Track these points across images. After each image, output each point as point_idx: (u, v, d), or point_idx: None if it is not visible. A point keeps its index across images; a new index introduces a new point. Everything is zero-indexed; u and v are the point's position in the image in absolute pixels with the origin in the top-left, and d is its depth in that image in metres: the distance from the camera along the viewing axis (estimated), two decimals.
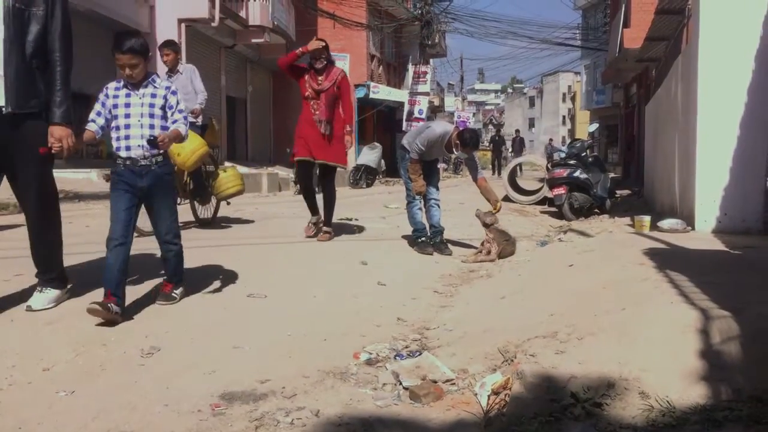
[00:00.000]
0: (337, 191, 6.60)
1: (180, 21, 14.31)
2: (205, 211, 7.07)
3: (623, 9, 17.17)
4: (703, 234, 5.46)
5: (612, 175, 14.87)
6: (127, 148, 3.52)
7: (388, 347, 3.27)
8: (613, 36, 18.87)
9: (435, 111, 30.85)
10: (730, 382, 2.31)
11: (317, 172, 6.86)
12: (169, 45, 7.07)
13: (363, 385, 2.79)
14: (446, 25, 27.86)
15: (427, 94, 24.30)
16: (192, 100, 6.80)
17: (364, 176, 17.72)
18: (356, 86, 21.89)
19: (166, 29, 14.18)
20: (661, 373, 2.40)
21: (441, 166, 8.83)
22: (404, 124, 22.79)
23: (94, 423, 2.35)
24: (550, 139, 41.69)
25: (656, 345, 2.57)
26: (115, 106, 3.56)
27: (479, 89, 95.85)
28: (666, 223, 5.83)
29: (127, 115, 3.53)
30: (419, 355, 3.09)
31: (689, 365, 2.41)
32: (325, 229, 6.31)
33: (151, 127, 3.52)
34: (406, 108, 23.20)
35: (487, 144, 34.29)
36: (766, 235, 5.36)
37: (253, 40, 17.41)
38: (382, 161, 18.92)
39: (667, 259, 4.07)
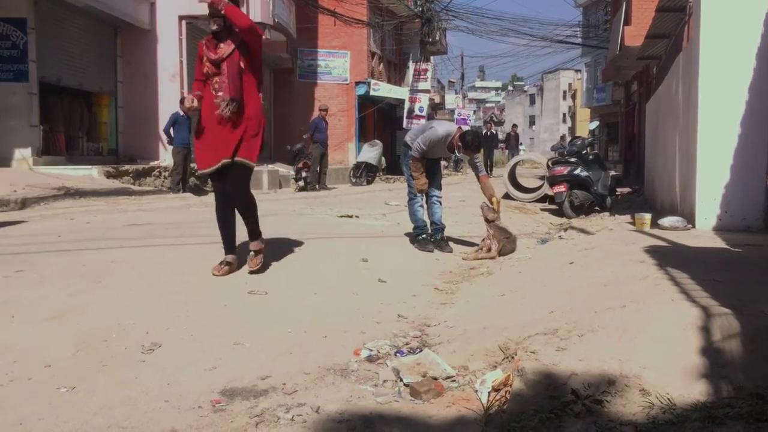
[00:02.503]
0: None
1: (181, 18, 14.28)
2: None
3: (624, 6, 17.14)
4: (703, 232, 5.46)
5: (612, 172, 14.88)
6: None
7: (389, 344, 3.27)
8: (613, 34, 18.84)
9: (435, 108, 30.81)
10: (730, 379, 2.31)
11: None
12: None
13: (363, 382, 2.79)
14: (447, 23, 27.80)
15: (427, 91, 24.26)
16: None
17: (365, 173, 17.73)
18: (357, 83, 21.90)
19: (167, 26, 14.17)
20: (661, 370, 2.40)
21: (442, 164, 8.77)
22: (405, 121, 22.76)
23: (95, 419, 2.35)
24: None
25: (657, 342, 2.57)
26: None
27: (480, 87, 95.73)
28: (667, 220, 5.83)
29: None
30: (420, 352, 3.10)
31: (690, 362, 2.42)
32: (253, 247, 4.54)
33: None
34: (407, 105, 23.17)
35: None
36: (767, 232, 5.36)
37: None
38: (383, 158, 18.91)
39: (668, 256, 4.07)
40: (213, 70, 4.32)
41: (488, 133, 23.94)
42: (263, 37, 18.98)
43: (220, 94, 4.27)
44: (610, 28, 23.52)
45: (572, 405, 2.29)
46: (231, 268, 4.44)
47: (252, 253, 4.52)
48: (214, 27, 4.33)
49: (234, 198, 4.47)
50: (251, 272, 4.42)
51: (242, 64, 4.32)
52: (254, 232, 4.54)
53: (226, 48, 4.30)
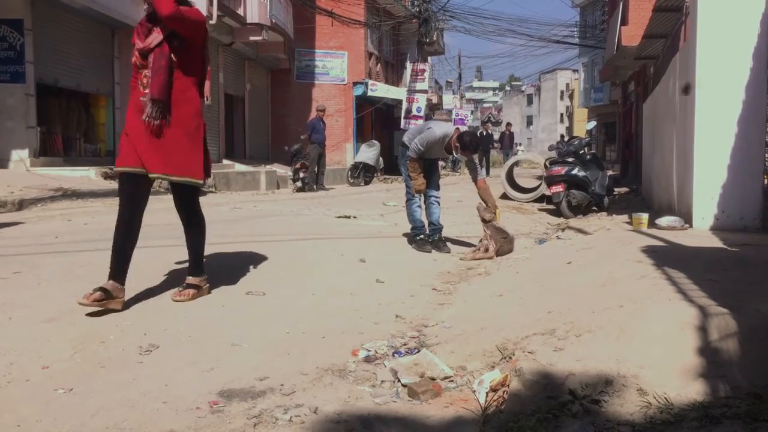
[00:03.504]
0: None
1: None
2: None
3: (621, 6, 17.17)
4: (700, 231, 5.47)
5: (610, 172, 14.88)
6: None
7: (387, 344, 3.27)
8: (611, 33, 18.86)
9: (433, 109, 30.82)
10: (728, 379, 2.31)
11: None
12: None
13: (361, 383, 2.79)
14: (444, 23, 27.83)
15: (425, 91, 24.28)
16: None
17: (363, 174, 17.75)
18: (354, 84, 21.91)
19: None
20: (659, 370, 2.41)
21: (440, 164, 8.80)
22: (402, 121, 22.78)
23: (93, 420, 2.35)
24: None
25: (654, 342, 2.57)
26: None
27: (477, 87, 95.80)
28: (664, 220, 5.84)
29: None
30: (417, 352, 3.10)
31: (687, 362, 2.42)
32: (189, 280, 3.86)
33: None
34: (404, 106, 23.19)
35: None
36: (764, 232, 5.37)
37: (251, 38, 17.38)
38: (381, 159, 18.92)
39: (665, 256, 4.08)
40: (141, 61, 3.57)
41: (484, 133, 23.94)
42: (260, 37, 18.79)
43: (146, 92, 3.53)
44: (607, 28, 23.56)
45: (570, 405, 2.29)
46: (106, 298, 3.38)
47: (185, 285, 3.81)
48: (144, 7, 3.62)
49: (183, 220, 3.84)
50: (175, 300, 3.72)
51: (174, 58, 3.53)
52: (198, 264, 3.85)
53: (155, 37, 3.54)
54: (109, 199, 9.56)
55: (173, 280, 4.21)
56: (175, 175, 3.59)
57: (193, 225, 3.87)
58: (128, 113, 3.64)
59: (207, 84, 3.86)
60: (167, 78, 3.52)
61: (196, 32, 3.64)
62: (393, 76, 26.59)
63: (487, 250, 5.82)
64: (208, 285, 3.92)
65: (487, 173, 20.00)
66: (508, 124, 25.63)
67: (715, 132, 5.50)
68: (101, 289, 3.41)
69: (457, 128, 6.26)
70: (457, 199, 10.39)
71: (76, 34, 12.52)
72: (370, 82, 22.29)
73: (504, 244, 5.87)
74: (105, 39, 13.67)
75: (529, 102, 70.95)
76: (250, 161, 18.57)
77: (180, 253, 5.10)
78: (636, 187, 13.17)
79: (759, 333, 2.51)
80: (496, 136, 28.34)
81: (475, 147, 6.03)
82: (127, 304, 3.51)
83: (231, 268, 4.58)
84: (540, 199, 12.05)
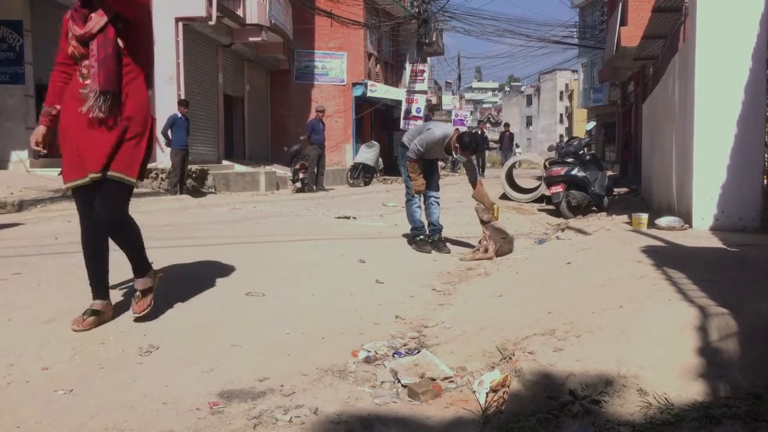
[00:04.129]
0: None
1: (177, 20, 14.28)
2: None
3: (620, 7, 17.18)
4: (700, 231, 5.47)
5: (609, 173, 14.89)
6: None
7: (387, 345, 3.27)
8: (610, 34, 18.87)
9: (432, 109, 30.83)
10: (728, 379, 2.31)
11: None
12: None
13: (361, 383, 2.79)
14: (443, 24, 27.83)
15: (424, 92, 24.28)
16: None
17: (362, 174, 17.75)
18: (354, 85, 21.91)
19: (164, 28, 14.14)
20: (659, 370, 2.41)
21: (439, 164, 8.82)
22: (402, 122, 22.78)
23: (93, 422, 2.34)
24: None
25: (654, 342, 2.57)
26: None
27: (477, 87, 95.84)
28: (663, 220, 5.84)
29: None
30: (417, 353, 3.10)
31: (687, 362, 2.42)
32: (139, 285, 3.44)
33: None
34: (404, 106, 23.19)
35: None
36: (763, 232, 5.37)
37: (251, 39, 17.38)
38: (380, 159, 18.93)
39: (665, 256, 4.08)
40: (80, 50, 3.19)
41: (479, 132, 23.95)
42: (260, 38, 18.72)
43: (87, 83, 3.16)
44: (606, 28, 23.57)
45: (570, 405, 2.29)
46: (99, 319, 3.30)
47: (138, 293, 3.42)
48: None
49: (106, 224, 3.27)
50: (137, 320, 3.37)
51: (121, 44, 3.17)
52: (140, 266, 3.45)
53: (97, 21, 3.14)
54: None
55: (173, 280, 4.21)
56: (109, 170, 3.18)
57: (123, 231, 3.34)
58: (63, 110, 3.26)
59: (152, 78, 3.47)
60: (116, 67, 3.16)
61: (142, 14, 3.30)
62: (392, 77, 26.60)
63: (486, 250, 5.82)
64: (161, 274, 3.62)
65: (482, 173, 20.02)
66: (506, 125, 25.62)
67: (715, 132, 5.50)
68: (92, 311, 3.30)
69: (457, 129, 6.26)
70: (456, 200, 10.39)
71: None
72: (370, 82, 22.29)
73: (503, 244, 5.87)
74: None
75: (529, 102, 70.97)
76: (250, 162, 18.57)
77: (180, 252, 5.11)
78: (635, 187, 13.17)
79: (759, 333, 2.51)
80: (495, 137, 28.35)
81: (475, 147, 6.03)
82: (127, 305, 3.50)
83: (230, 269, 4.58)
84: (540, 199, 12.06)
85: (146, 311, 3.39)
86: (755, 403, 2.14)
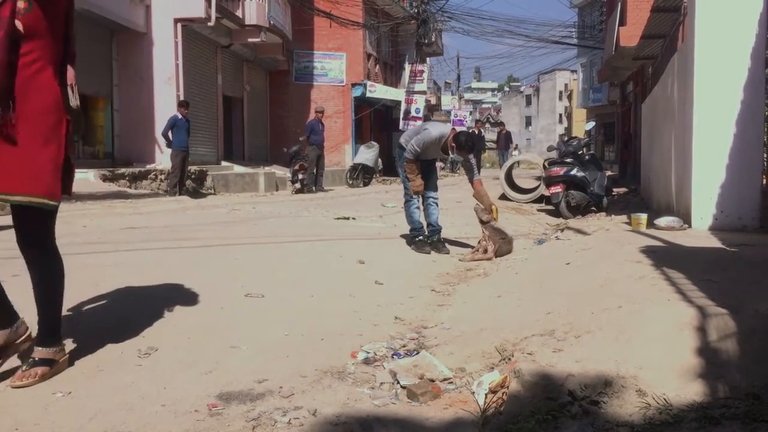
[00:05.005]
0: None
1: (176, 21, 14.29)
2: None
3: (619, 7, 17.19)
4: (699, 231, 5.47)
5: (609, 173, 14.90)
6: None
7: (386, 346, 3.27)
8: (609, 34, 18.88)
9: (432, 110, 30.83)
10: (727, 379, 2.31)
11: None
12: None
13: (360, 385, 2.79)
14: (443, 24, 27.84)
15: (423, 92, 24.29)
16: None
17: (362, 175, 17.76)
18: (353, 85, 21.92)
19: (163, 29, 14.17)
20: (658, 370, 2.40)
21: (438, 165, 8.86)
22: (401, 123, 22.79)
23: (91, 424, 2.34)
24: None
25: (653, 343, 2.57)
26: None
27: (476, 88, 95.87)
28: (663, 220, 5.84)
29: None
30: (417, 354, 3.09)
31: (686, 363, 2.42)
32: (40, 354, 2.68)
33: None
34: (403, 107, 23.20)
35: None
36: (762, 232, 5.37)
37: (250, 40, 17.39)
38: (380, 160, 18.94)
39: (664, 256, 4.08)
40: None
41: (476, 131, 23.97)
42: (259, 39, 18.79)
43: None
44: (605, 28, 23.58)
45: (569, 406, 2.29)
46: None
47: (31, 360, 2.65)
48: None
49: (20, 247, 2.74)
50: (15, 387, 2.57)
51: (19, 28, 2.42)
52: (51, 327, 2.72)
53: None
54: (108, 201, 9.56)
55: (172, 279, 4.21)
56: (14, 192, 2.50)
57: (43, 267, 2.74)
58: None
59: (71, 71, 2.71)
60: (6, 55, 2.39)
61: None
62: (392, 77, 26.60)
63: (485, 251, 5.82)
64: (66, 356, 2.78)
65: (478, 172, 20.00)
66: (502, 124, 25.71)
67: (714, 132, 5.50)
68: None
69: (454, 128, 6.27)
70: (455, 200, 10.39)
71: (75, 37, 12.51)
72: (369, 83, 22.30)
73: (503, 244, 5.87)
74: (103, 41, 13.68)
75: (528, 102, 71.00)
76: (249, 163, 18.57)
77: (179, 253, 5.11)
78: (635, 187, 13.18)
79: (758, 333, 2.50)
80: (492, 137, 28.35)
81: (471, 147, 6.03)
82: (127, 306, 3.50)
83: (230, 270, 4.58)
84: (539, 199, 12.07)
85: (30, 382, 2.59)
86: (754, 404, 2.14)
